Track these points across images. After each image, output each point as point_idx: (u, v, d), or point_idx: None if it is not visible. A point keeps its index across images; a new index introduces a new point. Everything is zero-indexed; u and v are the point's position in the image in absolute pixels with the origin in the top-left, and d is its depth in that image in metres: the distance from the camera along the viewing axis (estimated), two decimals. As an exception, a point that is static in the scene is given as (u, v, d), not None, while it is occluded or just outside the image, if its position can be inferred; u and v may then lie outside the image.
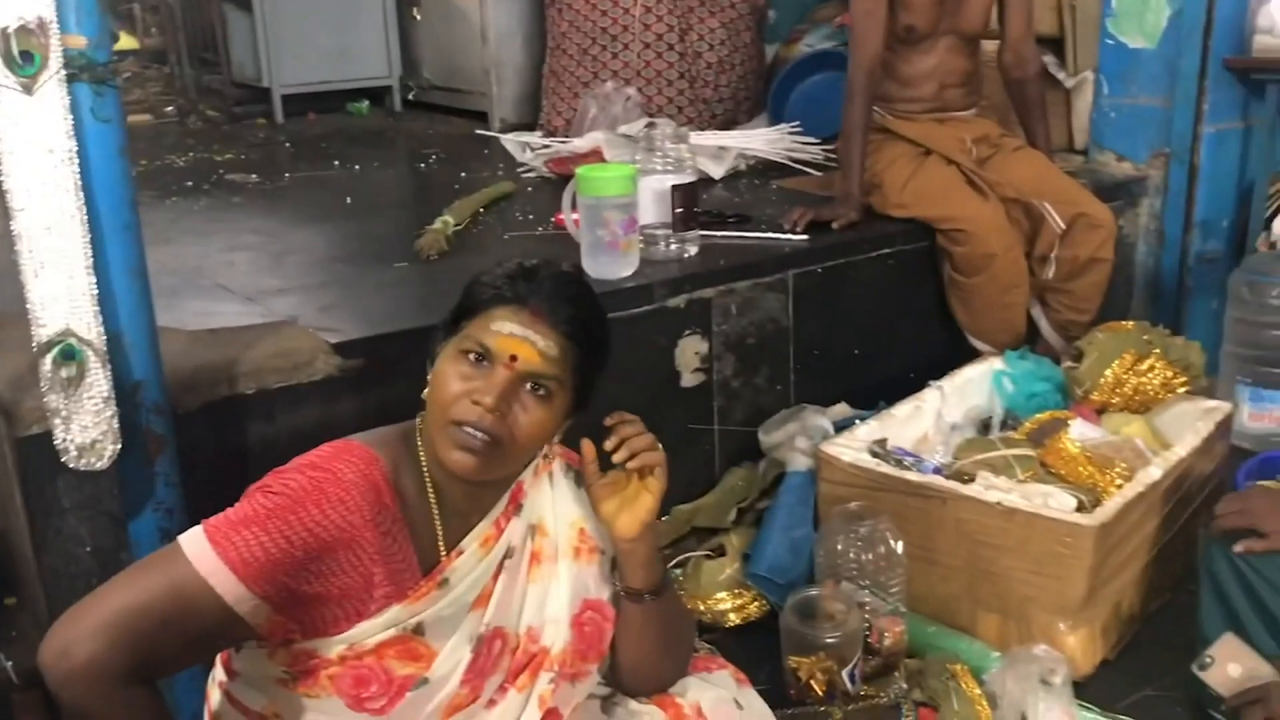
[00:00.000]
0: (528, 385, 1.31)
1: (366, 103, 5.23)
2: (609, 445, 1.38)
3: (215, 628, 1.21)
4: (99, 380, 1.55)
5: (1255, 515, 1.85)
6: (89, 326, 1.54)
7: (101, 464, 1.57)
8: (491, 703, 1.40)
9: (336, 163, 4.01)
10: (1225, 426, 2.45)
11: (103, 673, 1.13)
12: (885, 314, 2.88)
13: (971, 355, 2.83)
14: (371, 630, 1.30)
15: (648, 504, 1.40)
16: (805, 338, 2.70)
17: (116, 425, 1.57)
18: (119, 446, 1.58)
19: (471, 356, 1.30)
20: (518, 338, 1.29)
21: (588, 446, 1.40)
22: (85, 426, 1.55)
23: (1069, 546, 1.97)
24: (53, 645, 1.14)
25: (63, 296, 1.52)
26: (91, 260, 1.52)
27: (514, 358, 1.29)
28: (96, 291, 1.54)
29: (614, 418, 1.40)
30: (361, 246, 2.86)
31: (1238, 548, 1.84)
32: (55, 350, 1.53)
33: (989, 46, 3.19)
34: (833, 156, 3.38)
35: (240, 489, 1.32)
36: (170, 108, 5.39)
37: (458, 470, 1.30)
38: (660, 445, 1.40)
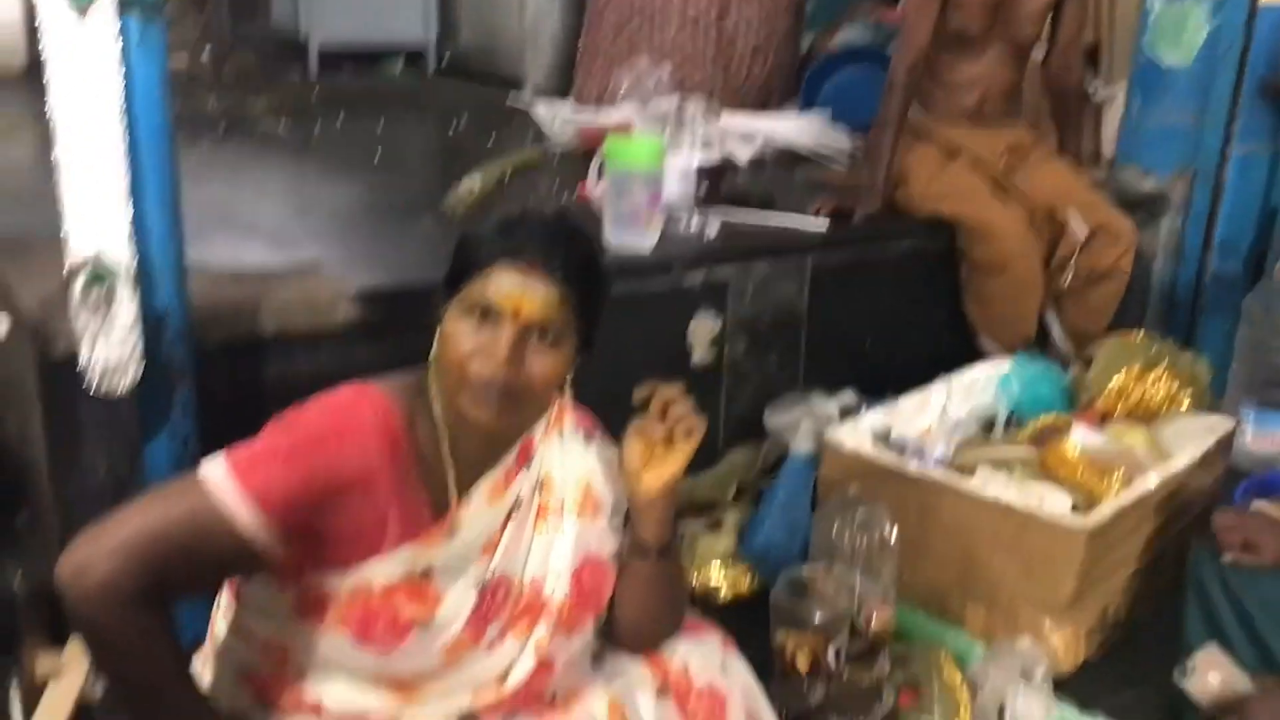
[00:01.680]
0: (535, 334, 1.34)
1: (402, 63, 5.25)
2: (653, 409, 1.42)
3: (230, 556, 1.25)
4: (127, 306, 1.59)
5: (1251, 532, 1.89)
6: (121, 253, 1.58)
7: (124, 388, 1.61)
8: (491, 646, 1.43)
9: (368, 119, 4.04)
10: (1226, 444, 2.47)
11: (118, 592, 1.17)
12: (899, 307, 2.90)
13: (981, 355, 2.86)
14: (381, 570, 1.33)
15: (676, 465, 1.44)
16: (818, 324, 2.73)
17: (141, 352, 1.61)
18: (141, 372, 1.62)
19: (476, 315, 1.33)
20: (517, 292, 1.31)
21: (655, 406, 1.42)
22: (111, 350, 1.59)
23: (1061, 547, 2.00)
24: (71, 563, 1.17)
25: (98, 221, 1.56)
26: (129, 187, 1.56)
27: (517, 312, 1.32)
28: (131, 219, 1.58)
29: (647, 389, 1.43)
30: (388, 202, 2.89)
31: (1227, 557, 1.87)
32: (87, 274, 1.57)
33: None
34: (861, 149, 3.39)
35: (255, 426, 1.35)
36: (206, 54, 5.41)
37: (481, 424, 1.33)
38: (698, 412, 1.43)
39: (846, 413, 2.52)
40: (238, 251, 2.32)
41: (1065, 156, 3.08)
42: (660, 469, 1.45)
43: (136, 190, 1.58)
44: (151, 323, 1.66)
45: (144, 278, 1.63)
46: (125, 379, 1.61)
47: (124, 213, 1.56)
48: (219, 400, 1.87)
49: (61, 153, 1.53)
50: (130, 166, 1.57)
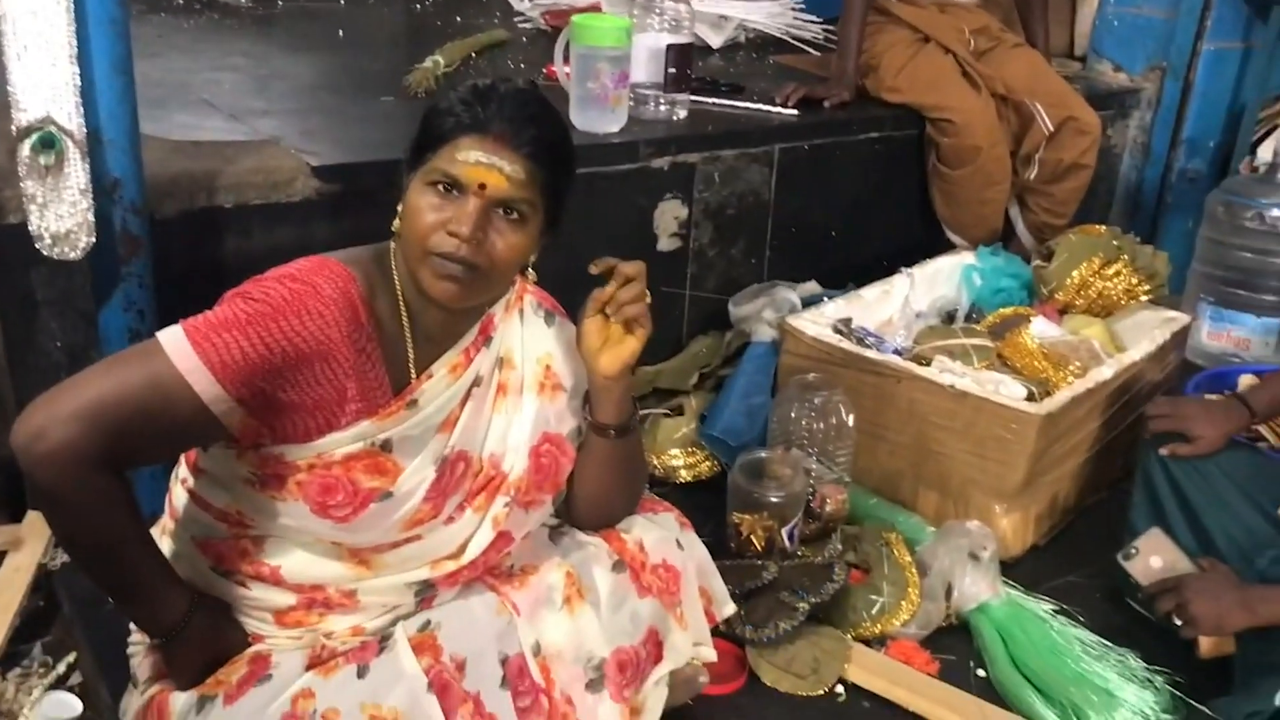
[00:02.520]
0: (500, 210, 1.32)
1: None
2: (610, 287, 1.41)
3: (189, 425, 1.24)
4: (77, 171, 1.55)
5: (1185, 420, 1.91)
6: (69, 116, 1.54)
7: (75, 255, 1.58)
8: (450, 520, 1.45)
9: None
10: (1181, 338, 2.50)
11: (76, 457, 1.16)
12: (866, 198, 2.89)
13: (945, 247, 2.87)
14: (341, 442, 1.33)
15: (632, 347, 1.45)
16: (784, 213, 2.72)
17: (92, 218, 1.58)
18: (93, 239, 1.59)
19: (440, 188, 1.30)
20: (484, 165, 1.29)
21: (613, 283, 1.42)
22: (61, 216, 1.56)
23: (1013, 433, 2.03)
24: (28, 427, 1.16)
25: (44, 84, 1.51)
26: (76, 50, 1.51)
27: (483, 186, 1.29)
28: (79, 83, 1.53)
29: (601, 264, 1.41)
30: (349, 78, 2.83)
31: (1163, 451, 1.91)
32: (34, 137, 1.53)
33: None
34: (833, 37, 3.34)
35: (210, 299, 1.33)
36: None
37: (442, 299, 1.32)
38: (649, 297, 1.43)
39: (810, 303, 2.53)
40: (195, 124, 2.27)
41: (1033, 47, 3.05)
42: (617, 350, 1.45)
43: (84, 53, 1.53)
44: (104, 191, 1.62)
45: (95, 144, 1.59)
46: (77, 247, 1.58)
47: (72, 76, 1.51)
48: (175, 271, 1.84)
49: (5, 10, 1.48)
50: (77, 29, 1.52)
